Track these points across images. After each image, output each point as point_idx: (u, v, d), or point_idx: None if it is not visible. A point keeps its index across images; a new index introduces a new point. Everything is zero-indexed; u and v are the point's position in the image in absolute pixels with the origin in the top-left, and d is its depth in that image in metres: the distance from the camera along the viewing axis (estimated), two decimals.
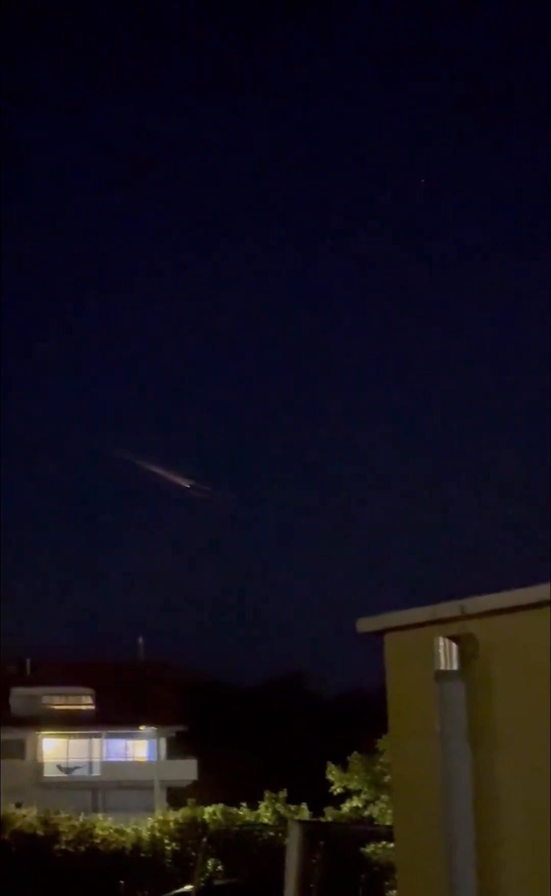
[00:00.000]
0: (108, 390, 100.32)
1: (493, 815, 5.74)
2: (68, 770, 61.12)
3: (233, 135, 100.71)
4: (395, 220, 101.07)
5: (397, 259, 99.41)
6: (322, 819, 33.57)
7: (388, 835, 18.89)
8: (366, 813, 32.80)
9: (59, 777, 58.99)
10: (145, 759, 61.63)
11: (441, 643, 5.68)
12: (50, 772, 59.77)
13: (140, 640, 67.59)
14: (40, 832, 34.84)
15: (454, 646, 5.67)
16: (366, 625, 6.24)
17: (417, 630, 5.97)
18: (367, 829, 26.38)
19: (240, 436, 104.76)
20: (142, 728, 60.51)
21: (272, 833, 33.90)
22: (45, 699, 62.01)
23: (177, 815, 36.75)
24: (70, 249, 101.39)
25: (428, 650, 5.82)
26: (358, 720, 41.33)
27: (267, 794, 37.29)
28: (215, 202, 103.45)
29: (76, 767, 61.45)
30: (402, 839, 6.30)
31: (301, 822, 13.04)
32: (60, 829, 35.01)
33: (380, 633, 6.19)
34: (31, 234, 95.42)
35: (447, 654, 5.66)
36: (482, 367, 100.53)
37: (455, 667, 5.64)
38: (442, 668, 5.66)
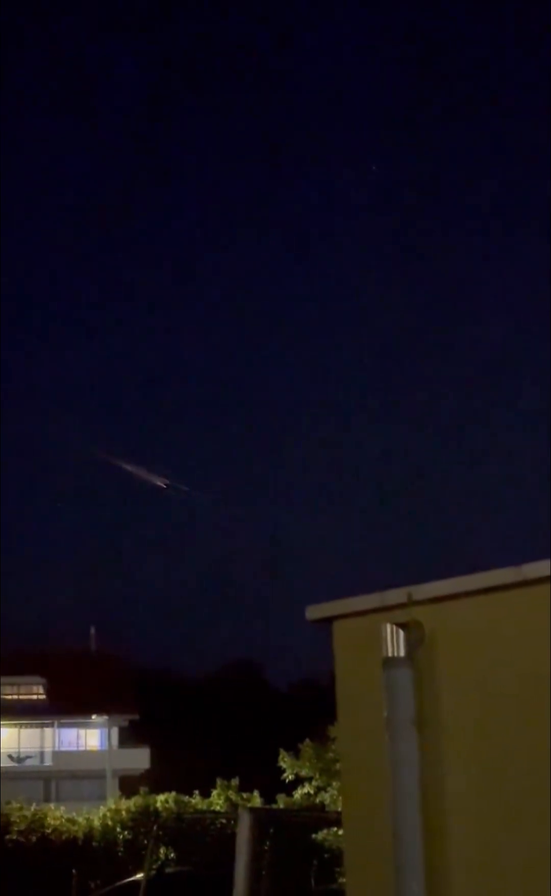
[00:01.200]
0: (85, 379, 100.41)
1: (440, 799, 5.79)
2: (20, 760, 60.91)
3: (230, 132, 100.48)
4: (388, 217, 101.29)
5: (390, 251, 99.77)
6: (273, 806, 33.69)
7: (339, 821, 18.97)
8: (318, 800, 32.92)
9: (10, 767, 58.76)
10: (97, 749, 61.53)
11: (388, 630, 5.71)
12: (1, 762, 59.57)
13: (92, 629, 67.46)
14: None
15: (401, 632, 5.71)
16: (315, 612, 6.27)
17: (365, 617, 6.01)
18: (318, 816, 26.48)
19: (198, 424, 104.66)
20: (94, 717, 60.44)
21: (224, 821, 33.98)
22: None
23: (129, 804, 36.72)
24: (68, 249, 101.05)
25: (376, 637, 5.86)
26: (309, 708, 41.46)
27: (219, 781, 37.35)
28: (210, 200, 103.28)
29: (27, 757, 61.26)
30: (351, 825, 6.35)
31: (251, 809, 13.08)
32: (12, 819, 34.90)
33: (329, 621, 6.22)
34: (28, 231, 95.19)
35: (394, 641, 5.70)
36: (457, 371, 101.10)
37: (402, 653, 5.68)
38: (390, 654, 5.70)
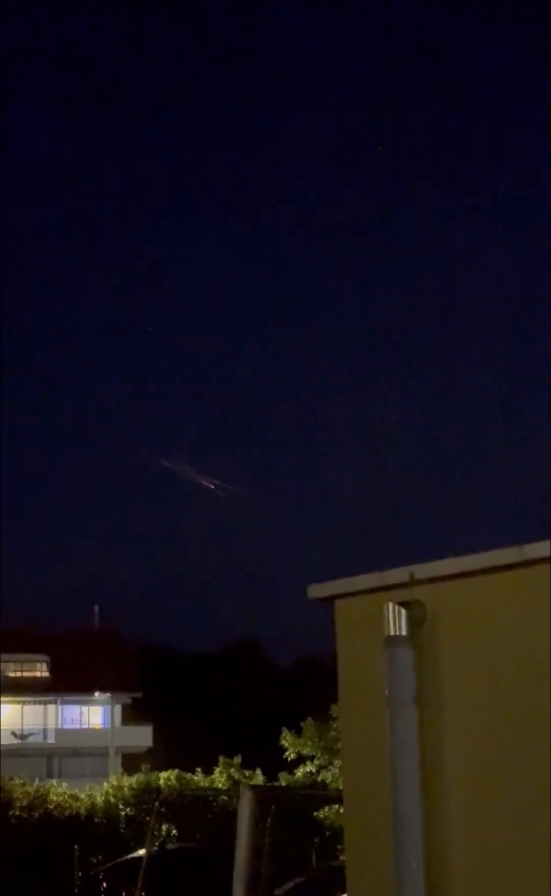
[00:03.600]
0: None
1: (439, 777, 5.82)
2: (23, 737, 61.13)
3: (228, 125, 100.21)
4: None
5: (390, 240, 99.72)
6: (275, 784, 33.81)
7: (340, 798, 19.04)
8: (320, 778, 33.05)
9: (13, 744, 58.97)
10: (100, 726, 61.74)
11: (390, 609, 5.73)
12: (4, 739, 59.78)
13: (95, 607, 67.60)
14: None
15: (403, 611, 5.72)
16: (316, 591, 6.28)
17: (367, 596, 6.03)
18: (319, 794, 26.59)
19: (197, 403, 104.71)
20: (96, 695, 60.62)
21: (225, 798, 34.10)
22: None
23: (131, 781, 36.84)
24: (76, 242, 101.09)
25: (377, 616, 5.87)
26: (312, 687, 41.53)
27: (221, 759, 37.45)
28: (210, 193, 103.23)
29: (31, 734, 61.48)
30: (352, 802, 6.38)
31: (252, 786, 13.13)
32: (15, 794, 35.02)
33: (331, 599, 6.23)
34: (33, 222, 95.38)
35: (396, 620, 5.71)
36: (461, 352, 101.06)
37: (404, 632, 5.70)
38: (392, 633, 5.71)
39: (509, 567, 5.79)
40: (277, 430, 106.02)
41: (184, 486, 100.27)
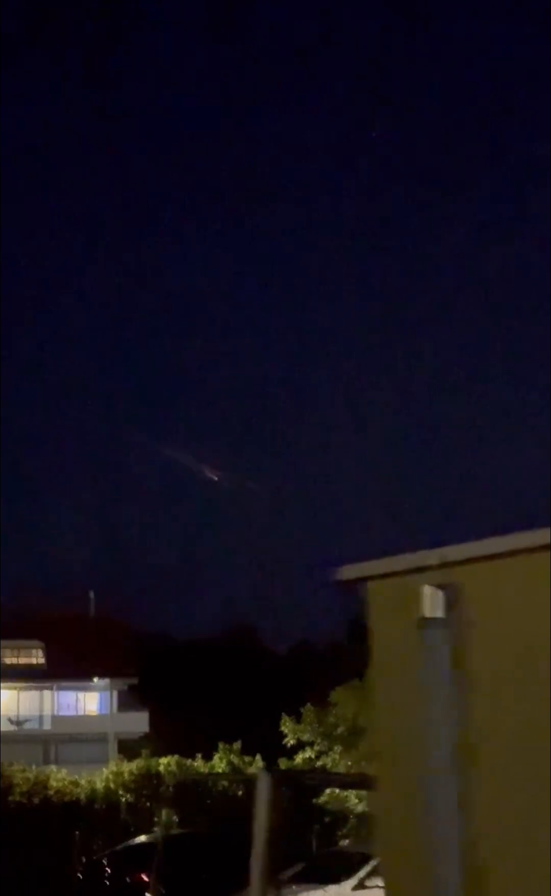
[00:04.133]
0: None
1: (473, 757, 5.82)
2: (19, 723, 61.13)
3: (234, 122, 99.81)
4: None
5: (389, 227, 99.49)
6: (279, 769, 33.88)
7: (352, 783, 19.16)
8: (319, 764, 33.11)
9: (9, 730, 58.92)
10: (97, 712, 61.81)
11: (426, 590, 5.72)
12: (0, 725, 59.79)
13: (91, 592, 67.54)
14: None
15: (439, 593, 5.72)
16: (348, 573, 6.27)
17: (400, 578, 6.02)
18: (336, 778, 26.61)
19: (195, 386, 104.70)
20: (93, 681, 60.69)
21: (226, 783, 34.17)
22: None
23: (131, 767, 36.85)
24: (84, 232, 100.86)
25: (410, 597, 5.87)
26: (310, 672, 41.65)
27: (221, 745, 37.48)
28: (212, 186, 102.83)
29: (27, 721, 61.49)
30: (384, 785, 6.38)
31: (270, 770, 13.14)
32: (14, 780, 34.99)
33: (363, 581, 6.22)
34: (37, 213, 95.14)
35: (432, 602, 5.71)
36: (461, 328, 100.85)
37: (440, 614, 5.69)
38: (428, 615, 5.71)
39: (540, 549, 5.78)
40: (275, 418, 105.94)
41: (183, 474, 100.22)
